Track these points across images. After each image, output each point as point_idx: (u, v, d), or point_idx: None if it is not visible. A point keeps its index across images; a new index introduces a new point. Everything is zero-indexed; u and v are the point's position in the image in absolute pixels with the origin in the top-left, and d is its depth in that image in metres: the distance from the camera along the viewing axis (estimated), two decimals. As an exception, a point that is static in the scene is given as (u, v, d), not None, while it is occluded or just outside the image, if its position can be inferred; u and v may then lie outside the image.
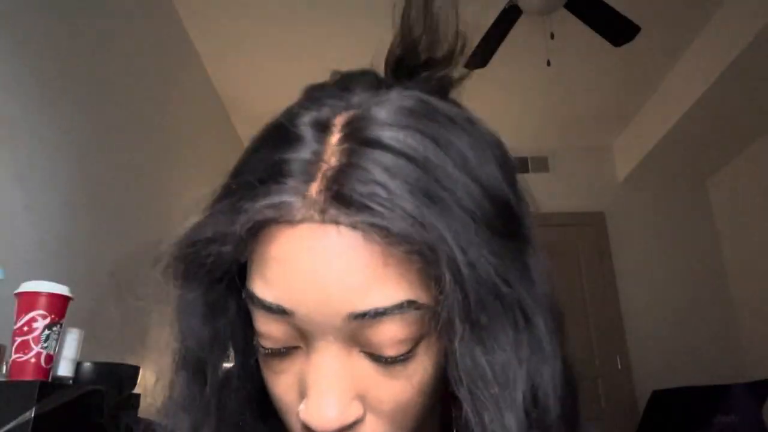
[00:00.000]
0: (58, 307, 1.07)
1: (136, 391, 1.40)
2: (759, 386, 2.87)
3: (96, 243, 1.92)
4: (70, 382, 1.23)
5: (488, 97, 3.61)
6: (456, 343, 0.30)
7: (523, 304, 0.32)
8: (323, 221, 0.29)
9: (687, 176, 4.00)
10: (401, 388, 0.32)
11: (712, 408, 2.92)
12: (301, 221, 0.29)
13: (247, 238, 0.30)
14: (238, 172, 0.33)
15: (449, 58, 0.35)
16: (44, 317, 1.04)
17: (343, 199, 0.29)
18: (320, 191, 0.29)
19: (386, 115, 0.31)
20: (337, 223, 0.29)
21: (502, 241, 0.31)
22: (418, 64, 0.35)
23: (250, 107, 3.41)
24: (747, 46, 2.67)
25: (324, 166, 0.30)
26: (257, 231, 0.31)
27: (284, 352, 0.32)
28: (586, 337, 3.75)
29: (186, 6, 2.78)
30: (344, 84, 0.36)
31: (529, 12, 2.50)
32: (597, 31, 2.60)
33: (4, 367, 1.06)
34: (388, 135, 0.30)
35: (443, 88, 0.36)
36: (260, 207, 0.30)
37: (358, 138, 0.30)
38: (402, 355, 0.31)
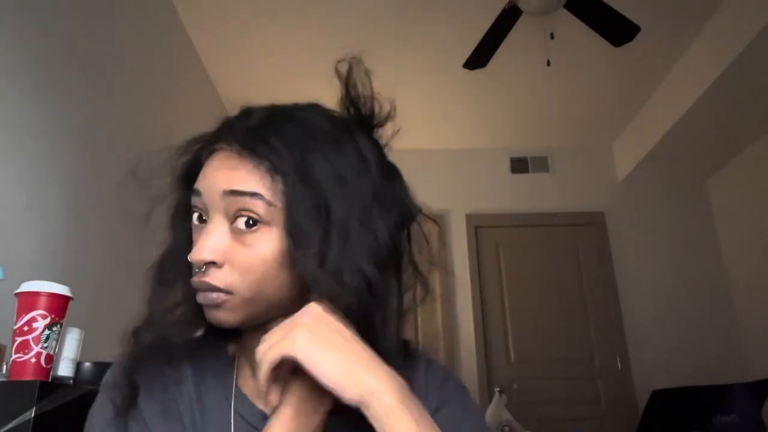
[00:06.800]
0: (58, 307, 1.06)
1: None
2: (759, 386, 2.87)
3: (96, 243, 1.92)
4: (70, 382, 1.23)
5: (488, 97, 3.62)
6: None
7: (332, 213, 0.52)
8: (228, 150, 0.55)
9: (687, 176, 4.00)
10: (249, 253, 0.53)
11: (712, 408, 2.92)
12: (219, 150, 0.56)
13: (198, 161, 0.58)
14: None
15: (367, 110, 0.60)
16: (44, 317, 1.04)
17: (241, 140, 0.54)
18: (234, 135, 0.55)
19: (293, 119, 0.56)
20: (232, 150, 0.54)
21: (314, 175, 0.53)
22: (355, 108, 0.60)
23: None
24: (747, 46, 2.67)
25: (245, 125, 0.56)
26: (203, 155, 0.58)
27: (199, 226, 0.56)
28: (586, 337, 3.76)
29: (186, 6, 2.78)
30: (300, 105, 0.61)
31: (529, 12, 2.50)
32: (597, 31, 2.60)
33: (4, 367, 1.06)
34: (284, 124, 0.55)
35: (366, 125, 0.60)
36: (207, 140, 0.58)
37: (270, 121, 0.56)
38: (250, 226, 0.53)
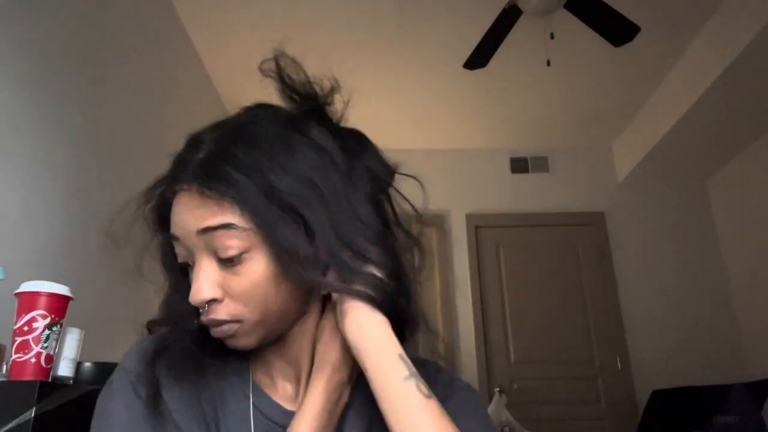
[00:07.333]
0: (58, 307, 1.06)
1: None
2: (759, 386, 2.87)
3: (96, 243, 1.92)
4: (70, 382, 1.23)
5: (488, 97, 3.62)
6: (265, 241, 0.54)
7: (304, 217, 0.53)
8: (187, 190, 0.54)
9: (687, 176, 4.00)
10: (242, 281, 0.54)
11: (712, 408, 2.92)
12: (178, 191, 0.55)
13: (163, 207, 0.57)
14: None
15: (309, 96, 0.60)
16: (44, 317, 1.04)
17: (196, 176, 0.53)
18: (187, 173, 0.54)
19: (236, 134, 0.56)
20: (191, 190, 0.53)
21: (278, 191, 0.53)
22: (296, 97, 0.60)
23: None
24: (747, 47, 2.67)
25: (193, 160, 0.54)
26: (166, 201, 0.57)
27: (189, 269, 0.57)
28: (586, 337, 3.76)
29: (185, 5, 2.78)
30: (241, 112, 0.62)
31: (529, 12, 2.50)
32: (597, 31, 2.60)
33: (4, 367, 1.06)
34: (231, 145, 0.54)
35: (313, 110, 0.60)
36: (164, 186, 0.57)
37: (215, 146, 0.55)
38: (234, 257, 0.53)
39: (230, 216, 0.52)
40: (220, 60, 3.18)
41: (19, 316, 1.04)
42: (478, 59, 2.79)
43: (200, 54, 3.12)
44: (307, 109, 0.60)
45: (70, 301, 1.10)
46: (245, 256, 0.53)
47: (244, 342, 0.57)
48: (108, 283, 1.94)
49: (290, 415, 0.57)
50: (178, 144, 0.59)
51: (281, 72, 0.59)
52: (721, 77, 2.88)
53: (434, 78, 3.40)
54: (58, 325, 1.07)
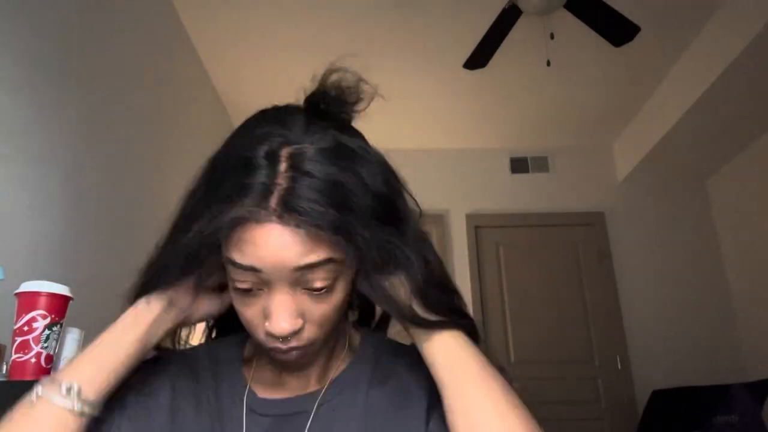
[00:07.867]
0: (58, 307, 1.06)
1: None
2: (759, 386, 2.87)
3: (96, 243, 1.92)
4: (70, 382, 1.23)
5: (488, 97, 3.62)
6: (360, 275, 0.55)
7: (397, 251, 0.54)
8: (279, 222, 0.49)
9: (687, 176, 4.00)
10: (326, 307, 0.55)
11: (712, 408, 2.92)
12: (265, 222, 0.50)
13: (228, 230, 0.51)
14: (213, 189, 0.52)
15: (348, 104, 0.56)
16: (44, 317, 1.04)
17: (290, 208, 0.49)
18: (276, 203, 0.49)
19: (314, 153, 0.51)
20: (287, 223, 0.49)
21: (383, 222, 0.53)
22: (329, 107, 0.55)
23: (248, 104, 3.39)
24: (746, 47, 2.67)
25: (277, 187, 0.49)
26: (234, 226, 0.50)
27: (251, 292, 0.54)
28: (586, 337, 3.75)
29: (186, 5, 2.78)
30: (281, 119, 0.55)
31: (528, 12, 2.50)
32: (597, 31, 2.60)
33: (4, 367, 1.06)
34: (315, 168, 0.50)
35: (345, 120, 0.57)
36: (239, 211, 0.49)
37: (297, 169, 0.50)
38: (325, 288, 0.53)
39: (330, 249, 0.51)
40: (221, 62, 3.18)
41: (19, 316, 1.03)
42: (478, 59, 2.79)
43: (200, 54, 3.12)
44: (350, 123, 0.58)
45: (70, 301, 1.10)
46: (335, 284, 0.54)
47: (305, 359, 0.58)
48: (108, 283, 1.94)
49: (277, 405, 0.60)
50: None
51: (339, 86, 0.55)
52: (721, 77, 2.88)
53: (434, 78, 3.40)
54: (58, 325, 1.07)
